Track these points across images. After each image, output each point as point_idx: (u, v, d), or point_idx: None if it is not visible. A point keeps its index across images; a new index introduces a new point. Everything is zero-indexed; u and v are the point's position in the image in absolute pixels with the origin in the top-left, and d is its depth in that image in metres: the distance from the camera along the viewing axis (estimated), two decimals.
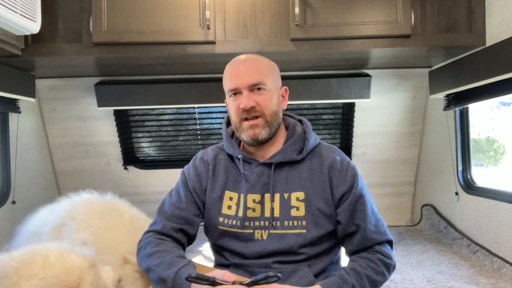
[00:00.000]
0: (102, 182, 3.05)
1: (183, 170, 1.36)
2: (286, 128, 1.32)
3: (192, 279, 0.98)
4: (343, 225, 1.23)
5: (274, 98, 1.24)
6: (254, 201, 1.24)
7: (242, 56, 1.26)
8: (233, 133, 1.35)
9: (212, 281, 0.97)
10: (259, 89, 1.21)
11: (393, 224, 3.09)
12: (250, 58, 1.25)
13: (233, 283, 0.99)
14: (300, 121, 1.35)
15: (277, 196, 1.24)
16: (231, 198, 1.26)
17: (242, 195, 1.25)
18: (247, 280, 1.00)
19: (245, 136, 1.23)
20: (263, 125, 1.21)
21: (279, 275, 0.95)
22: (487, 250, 2.20)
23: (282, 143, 1.28)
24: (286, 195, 1.23)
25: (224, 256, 1.29)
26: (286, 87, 1.32)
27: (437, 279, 1.98)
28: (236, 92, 1.22)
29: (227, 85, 1.24)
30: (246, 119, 1.21)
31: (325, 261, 1.26)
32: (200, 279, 0.97)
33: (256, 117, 1.21)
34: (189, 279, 0.98)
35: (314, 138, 1.29)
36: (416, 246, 2.53)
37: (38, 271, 1.05)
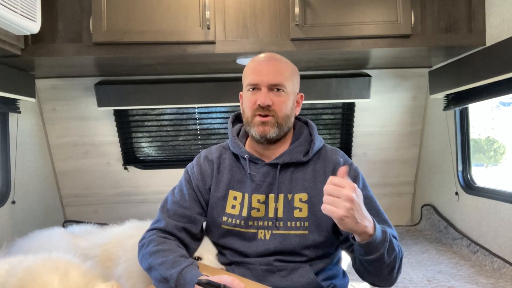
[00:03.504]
0: (102, 182, 3.05)
1: (186, 168, 1.37)
2: (293, 129, 1.34)
3: (203, 283, 0.99)
4: None
5: (290, 102, 1.26)
6: (258, 201, 1.25)
7: (268, 54, 1.29)
8: (238, 133, 1.36)
9: None
10: (278, 90, 1.23)
11: (393, 224, 3.07)
12: (276, 58, 1.28)
13: None
14: (306, 122, 1.36)
15: (281, 196, 1.25)
16: (235, 198, 1.27)
17: (246, 194, 1.26)
18: None
19: (254, 131, 1.25)
20: (273, 124, 1.23)
21: None
22: (487, 250, 2.20)
23: (289, 144, 1.30)
24: (289, 196, 1.24)
25: (225, 255, 1.29)
26: (303, 94, 1.34)
27: (437, 279, 1.98)
28: (255, 88, 1.24)
29: (248, 78, 1.26)
30: (259, 115, 1.23)
31: (326, 261, 1.26)
32: (211, 284, 0.98)
33: (268, 116, 1.23)
34: (200, 283, 0.99)
35: (319, 140, 1.32)
36: (416, 246, 2.53)
37: (41, 283, 1.07)
